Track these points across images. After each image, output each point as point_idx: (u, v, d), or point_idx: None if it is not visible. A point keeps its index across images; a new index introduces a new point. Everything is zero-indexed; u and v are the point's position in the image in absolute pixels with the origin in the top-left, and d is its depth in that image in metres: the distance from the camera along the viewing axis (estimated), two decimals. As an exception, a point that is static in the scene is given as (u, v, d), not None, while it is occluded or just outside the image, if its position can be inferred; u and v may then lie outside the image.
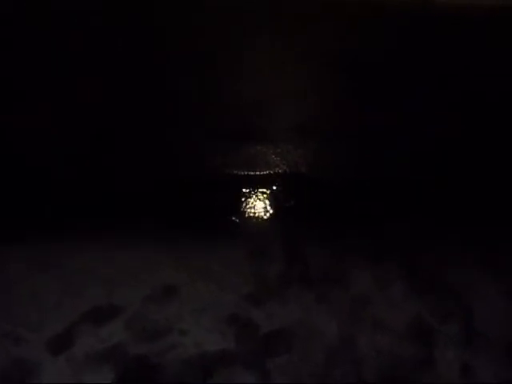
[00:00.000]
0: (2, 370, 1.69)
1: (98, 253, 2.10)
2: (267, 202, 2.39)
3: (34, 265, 2.03)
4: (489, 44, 2.05)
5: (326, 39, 2.08)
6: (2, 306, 1.89)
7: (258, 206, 2.37)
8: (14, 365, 1.71)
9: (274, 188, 2.45)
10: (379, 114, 2.30)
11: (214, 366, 1.73)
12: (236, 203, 2.38)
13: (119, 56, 2.11)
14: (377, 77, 2.19)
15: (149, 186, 2.38)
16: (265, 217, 2.34)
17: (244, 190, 2.43)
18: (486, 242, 2.20)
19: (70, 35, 2.01)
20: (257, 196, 2.41)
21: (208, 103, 2.28)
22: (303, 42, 2.11)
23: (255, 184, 2.46)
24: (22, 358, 1.72)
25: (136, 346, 1.78)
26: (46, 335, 1.79)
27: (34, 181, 2.34)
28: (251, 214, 2.34)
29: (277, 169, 2.48)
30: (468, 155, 2.40)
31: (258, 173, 2.47)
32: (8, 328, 1.81)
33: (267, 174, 2.47)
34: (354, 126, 2.34)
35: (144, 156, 2.39)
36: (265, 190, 2.43)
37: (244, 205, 2.37)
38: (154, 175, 2.40)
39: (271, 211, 2.36)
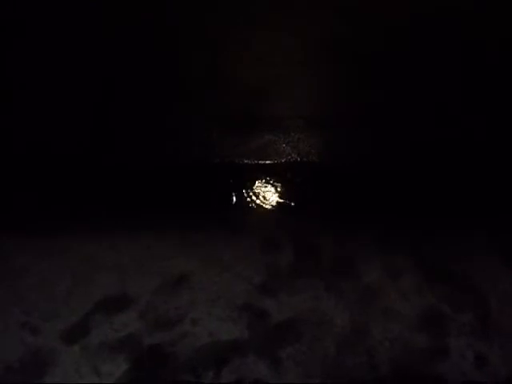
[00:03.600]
0: (19, 359, 1.72)
1: (109, 242, 2.12)
2: (278, 191, 2.39)
3: (41, 255, 2.06)
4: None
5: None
6: (15, 296, 1.91)
7: (270, 195, 2.36)
8: (30, 354, 1.73)
9: (286, 177, 2.44)
10: (391, 106, 2.29)
11: (226, 355, 1.73)
12: (247, 193, 2.38)
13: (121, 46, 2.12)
14: (388, 70, 2.18)
15: (160, 176, 2.40)
16: (276, 207, 2.33)
17: (255, 179, 2.43)
18: (500, 232, 2.17)
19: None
20: (268, 185, 2.40)
21: (218, 92, 2.29)
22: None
23: (267, 173, 2.46)
24: (38, 348, 1.75)
25: (149, 335, 1.79)
26: (61, 325, 1.82)
27: (42, 172, 2.37)
28: (262, 204, 2.33)
29: (288, 158, 2.48)
30: (478, 147, 2.38)
31: (268, 162, 2.47)
32: (23, 318, 1.84)
33: (278, 163, 2.47)
34: (365, 117, 2.33)
35: (152, 145, 2.40)
36: (276, 180, 2.43)
37: (255, 194, 2.37)
38: (165, 166, 2.41)
39: (282, 201, 2.36)
